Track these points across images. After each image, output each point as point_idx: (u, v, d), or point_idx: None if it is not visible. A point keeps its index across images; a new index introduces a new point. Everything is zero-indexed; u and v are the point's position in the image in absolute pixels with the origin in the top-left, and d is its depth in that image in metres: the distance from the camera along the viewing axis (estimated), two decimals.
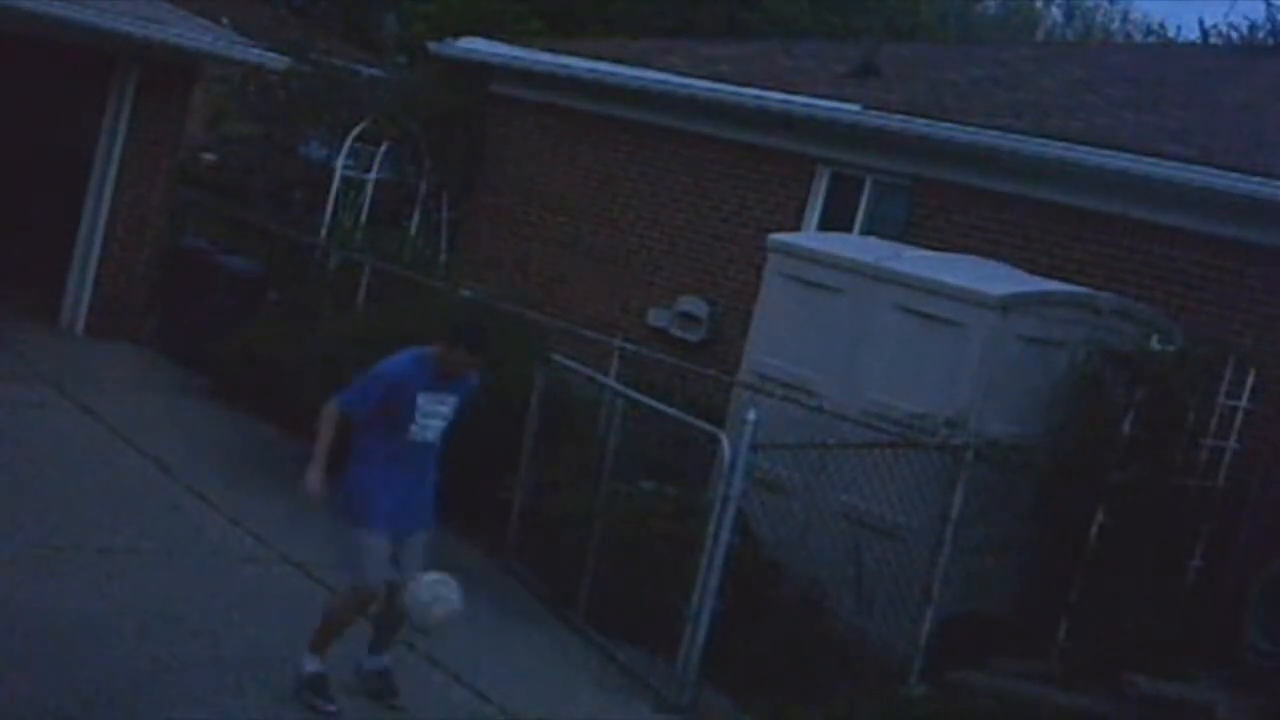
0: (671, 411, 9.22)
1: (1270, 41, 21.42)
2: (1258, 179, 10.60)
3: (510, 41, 16.52)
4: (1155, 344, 9.83)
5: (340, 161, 15.82)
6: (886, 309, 9.72)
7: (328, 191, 15.68)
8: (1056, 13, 43.95)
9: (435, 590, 7.05)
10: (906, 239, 12.07)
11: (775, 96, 13.61)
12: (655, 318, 14.12)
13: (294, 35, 18.84)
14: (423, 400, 7.00)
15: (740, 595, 8.32)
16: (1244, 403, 9.90)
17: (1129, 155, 11.31)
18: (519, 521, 9.94)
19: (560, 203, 15.37)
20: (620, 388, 9.97)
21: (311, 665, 7.09)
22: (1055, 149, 11.72)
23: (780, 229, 12.27)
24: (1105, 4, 44.29)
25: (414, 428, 7.01)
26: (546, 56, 15.69)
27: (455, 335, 7.04)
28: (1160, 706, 8.51)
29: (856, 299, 9.90)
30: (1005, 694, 8.64)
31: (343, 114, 16.48)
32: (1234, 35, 24.51)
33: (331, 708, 7.02)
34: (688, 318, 13.86)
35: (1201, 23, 41.77)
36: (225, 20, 16.72)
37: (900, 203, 12.91)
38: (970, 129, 12.30)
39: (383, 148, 15.96)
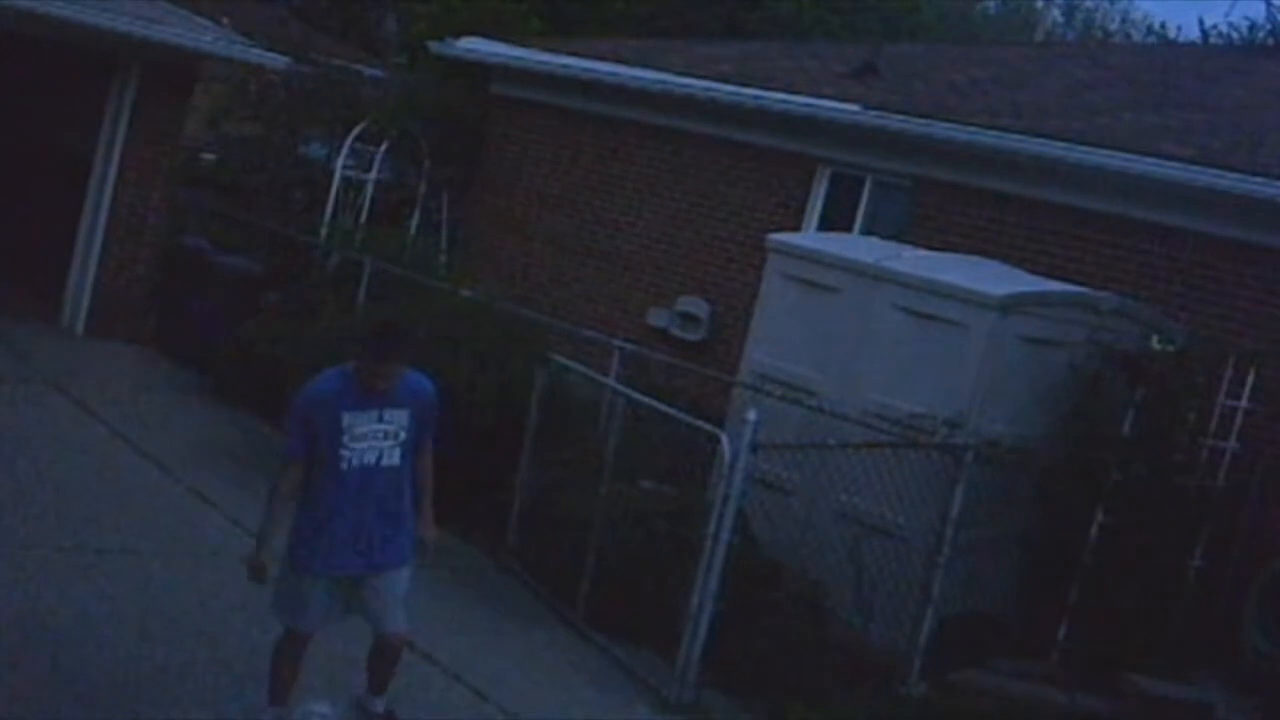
0: (671, 411, 9.22)
1: (1270, 41, 21.43)
2: (1258, 179, 10.61)
3: (510, 41, 16.52)
4: (1155, 344, 9.83)
5: (340, 161, 15.81)
6: (886, 309, 9.72)
7: (328, 191, 15.67)
8: (1056, 13, 43.94)
9: None
10: (906, 239, 12.07)
11: (775, 96, 13.61)
12: (655, 318, 14.13)
13: (294, 35, 18.81)
14: (349, 420, 6.22)
15: (740, 595, 8.32)
16: (1244, 403, 9.90)
17: (1129, 155, 11.31)
18: (519, 521, 9.94)
19: (560, 203, 15.37)
20: (620, 388, 9.97)
21: (266, 717, 6.57)
22: (1055, 149, 11.72)
23: (780, 229, 12.28)
24: (1105, 4, 44.30)
25: (343, 453, 6.22)
26: (546, 56, 15.70)
27: (361, 346, 6.33)
28: (1160, 706, 8.52)
29: (856, 299, 9.90)
30: (1005, 694, 8.65)
31: (343, 114, 16.47)
32: (1234, 35, 24.55)
33: None
34: (688, 318, 13.86)
35: (1201, 23, 41.91)
36: (225, 20, 16.70)
37: (900, 203, 12.92)
38: (970, 129, 12.30)
39: (383, 148, 15.96)
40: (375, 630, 6.61)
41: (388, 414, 6.32)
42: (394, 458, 6.35)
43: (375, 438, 6.30)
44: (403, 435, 6.36)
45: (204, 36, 13.82)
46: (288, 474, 6.36)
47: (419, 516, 6.58)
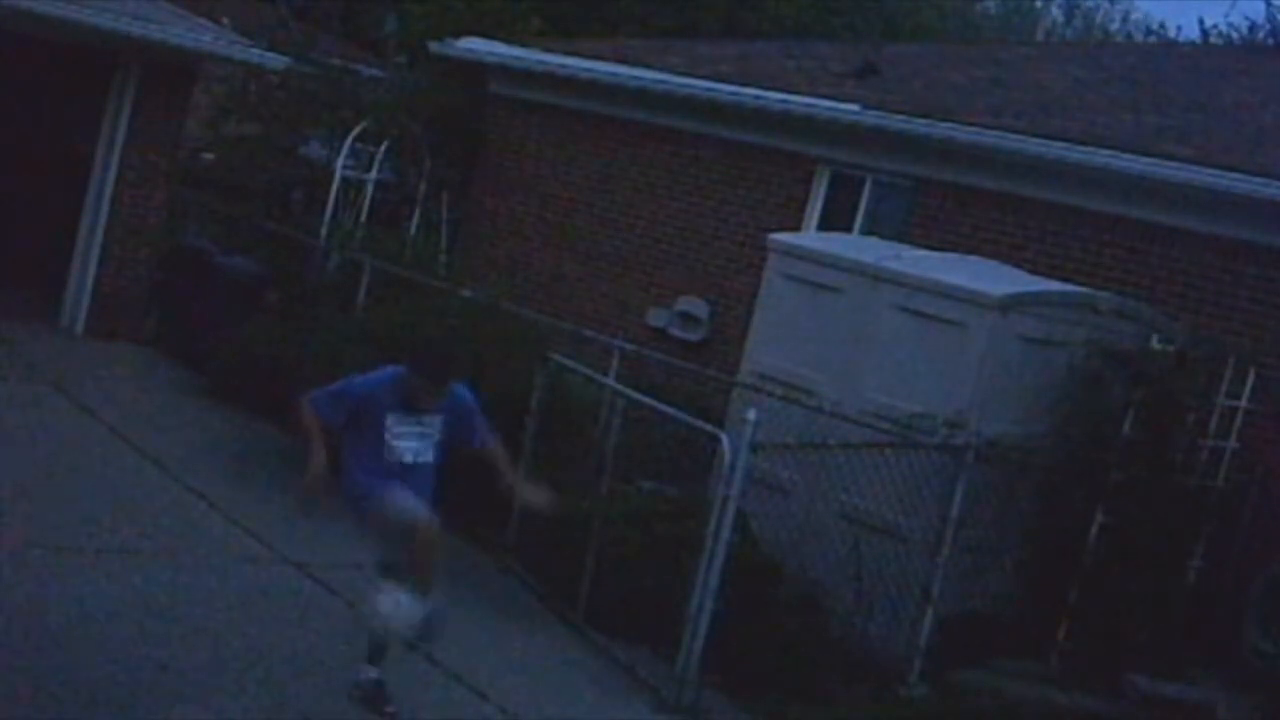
0: (671, 411, 9.22)
1: (1270, 41, 21.44)
2: (1258, 179, 10.61)
3: (510, 41, 16.52)
4: (1155, 344, 9.83)
5: (340, 161, 15.80)
6: (886, 309, 9.72)
7: (328, 191, 15.66)
8: (1056, 13, 43.98)
9: (393, 604, 6.99)
10: (906, 239, 12.07)
11: (775, 96, 13.61)
12: (655, 318, 14.13)
13: (294, 35, 18.80)
14: (391, 421, 6.97)
15: (740, 595, 8.32)
16: (1244, 403, 9.90)
17: (1129, 155, 11.32)
18: (518, 521, 9.94)
19: (560, 203, 15.37)
20: (620, 388, 9.96)
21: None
22: (1055, 149, 11.72)
23: (780, 229, 12.27)
24: (1105, 4, 44.33)
25: (385, 449, 6.98)
26: (546, 56, 15.69)
27: (413, 364, 7.02)
28: (1160, 706, 8.53)
29: (856, 299, 9.90)
30: (1005, 694, 8.65)
31: (343, 114, 16.46)
32: (1234, 35, 24.59)
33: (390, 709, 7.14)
34: (688, 318, 13.86)
35: (1201, 23, 41.85)
36: (225, 20, 16.70)
37: (900, 203, 12.92)
38: (970, 129, 12.31)
39: (383, 148, 15.95)
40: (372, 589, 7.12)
41: (426, 419, 7.07)
42: (428, 455, 7.11)
43: (412, 437, 7.05)
44: (436, 436, 7.13)
45: (204, 36, 13.81)
46: (310, 419, 6.95)
47: (509, 483, 7.37)
